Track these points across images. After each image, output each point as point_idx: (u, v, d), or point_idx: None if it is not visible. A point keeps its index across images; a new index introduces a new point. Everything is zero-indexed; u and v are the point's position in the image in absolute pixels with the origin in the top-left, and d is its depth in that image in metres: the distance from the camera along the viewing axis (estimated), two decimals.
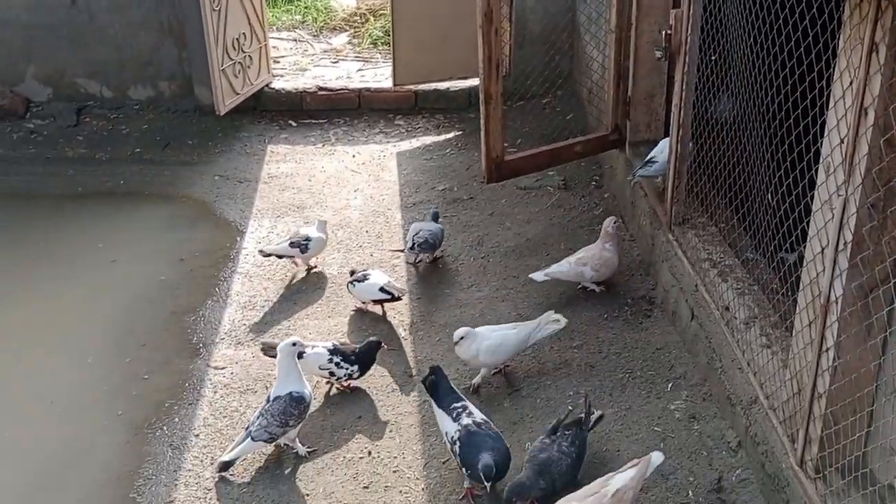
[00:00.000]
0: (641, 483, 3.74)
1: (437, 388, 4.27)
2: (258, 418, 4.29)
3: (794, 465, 3.44)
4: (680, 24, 4.69)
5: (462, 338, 4.63)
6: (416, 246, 5.71)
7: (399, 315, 5.47)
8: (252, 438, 4.24)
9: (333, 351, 4.70)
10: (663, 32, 4.92)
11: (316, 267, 6.00)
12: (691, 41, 4.64)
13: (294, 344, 4.39)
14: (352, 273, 5.52)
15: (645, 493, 4.02)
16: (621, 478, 3.67)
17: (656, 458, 3.83)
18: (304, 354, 4.56)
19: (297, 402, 4.29)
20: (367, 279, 5.35)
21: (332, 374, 4.71)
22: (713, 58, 4.71)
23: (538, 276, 5.39)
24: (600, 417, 4.31)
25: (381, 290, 5.28)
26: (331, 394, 4.85)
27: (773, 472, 3.68)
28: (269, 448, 4.41)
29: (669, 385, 4.72)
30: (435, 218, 5.98)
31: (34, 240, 6.62)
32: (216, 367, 5.09)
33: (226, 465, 4.27)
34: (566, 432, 4.07)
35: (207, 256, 6.30)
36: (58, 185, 7.42)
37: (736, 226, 4.96)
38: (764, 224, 4.21)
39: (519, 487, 3.85)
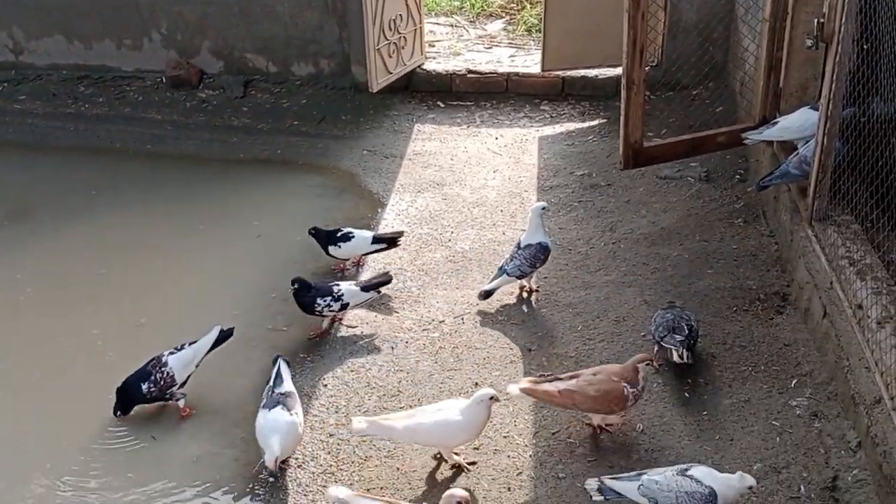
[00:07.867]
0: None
1: None
2: (512, 260, 5.37)
3: None
4: (833, 11, 4.54)
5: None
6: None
7: (524, 290, 5.58)
8: (507, 274, 5.33)
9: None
10: (816, 20, 4.77)
11: None
12: (844, 30, 4.48)
13: (544, 208, 5.46)
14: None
15: None
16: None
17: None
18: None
19: (544, 250, 5.38)
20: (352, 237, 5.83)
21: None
22: (865, 47, 4.52)
23: None
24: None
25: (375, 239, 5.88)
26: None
27: (890, 474, 3.55)
28: (516, 285, 5.50)
29: (794, 382, 4.60)
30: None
31: (200, 199, 7.24)
32: (348, 326, 5.39)
33: (487, 294, 5.37)
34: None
35: (350, 224, 6.58)
36: (223, 151, 8.07)
37: (884, 226, 4.74)
38: None
39: None
